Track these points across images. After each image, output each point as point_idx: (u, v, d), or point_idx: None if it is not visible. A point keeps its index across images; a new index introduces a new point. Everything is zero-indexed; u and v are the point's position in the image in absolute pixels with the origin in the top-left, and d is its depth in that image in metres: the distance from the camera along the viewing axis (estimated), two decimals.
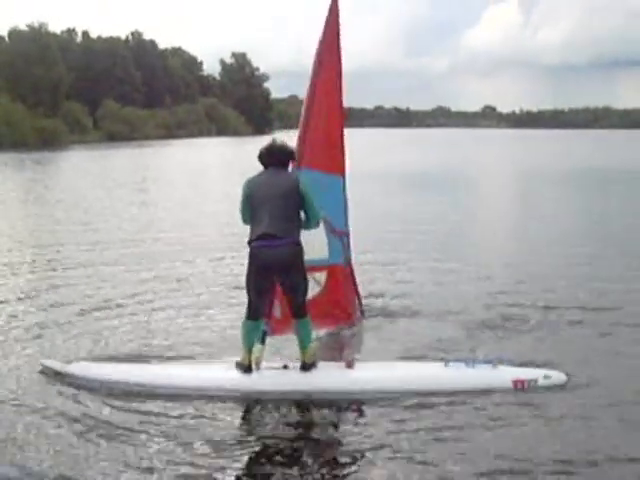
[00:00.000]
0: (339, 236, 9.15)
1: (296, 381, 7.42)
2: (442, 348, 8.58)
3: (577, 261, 13.95)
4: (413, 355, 8.38)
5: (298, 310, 7.52)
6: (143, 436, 6.38)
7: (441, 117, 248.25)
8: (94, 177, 38.49)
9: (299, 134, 8.55)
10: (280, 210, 7.21)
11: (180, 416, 6.82)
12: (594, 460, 5.92)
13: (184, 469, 5.82)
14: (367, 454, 6.10)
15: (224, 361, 7.90)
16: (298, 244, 7.36)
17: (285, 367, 7.64)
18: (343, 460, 6.06)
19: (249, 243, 7.32)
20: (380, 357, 8.34)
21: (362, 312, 9.72)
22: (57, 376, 7.71)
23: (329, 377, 7.48)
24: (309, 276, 8.31)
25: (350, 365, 7.59)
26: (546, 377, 7.41)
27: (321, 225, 8.47)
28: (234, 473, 5.82)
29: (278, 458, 6.07)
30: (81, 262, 14.54)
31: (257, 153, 7.56)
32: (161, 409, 6.98)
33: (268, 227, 7.15)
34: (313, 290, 8.66)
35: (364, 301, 9.83)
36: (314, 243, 8.43)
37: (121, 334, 9.46)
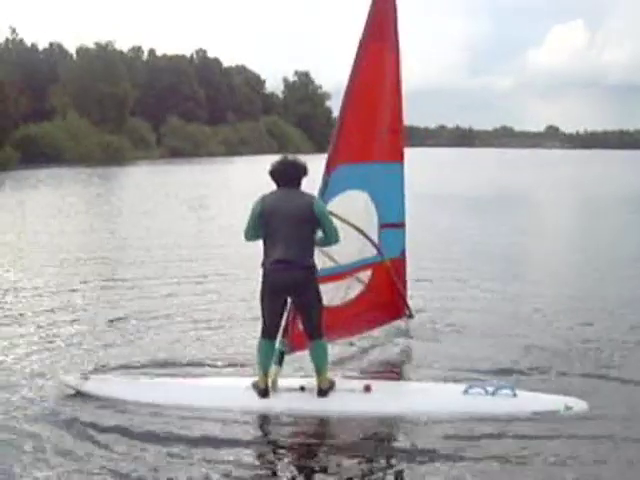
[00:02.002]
0: (396, 229, 9.03)
1: (312, 405, 7.34)
2: (475, 370, 8.50)
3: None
4: (446, 376, 8.28)
5: (313, 331, 7.42)
6: (156, 454, 6.38)
7: (504, 137, 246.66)
8: (156, 193, 38.85)
9: (335, 130, 8.28)
10: (295, 235, 7.16)
11: (198, 436, 6.80)
12: None
13: None
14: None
15: (242, 380, 7.84)
16: (311, 267, 7.31)
17: (302, 389, 7.56)
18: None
19: (263, 265, 7.29)
20: (411, 375, 8.52)
21: (411, 313, 9.60)
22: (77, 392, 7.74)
23: (345, 401, 7.38)
24: (352, 277, 8.42)
25: (368, 389, 7.49)
26: (567, 408, 7.21)
27: (374, 222, 8.58)
28: None
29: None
30: (129, 277, 14.78)
31: (269, 169, 7.46)
32: (175, 429, 6.94)
33: (284, 254, 7.13)
34: (355, 289, 8.74)
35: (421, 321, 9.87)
36: (356, 243, 8.45)
37: (151, 346, 9.64)
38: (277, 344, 7.58)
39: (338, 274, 8.39)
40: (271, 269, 7.21)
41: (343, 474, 6.11)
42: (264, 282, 7.34)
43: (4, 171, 59.78)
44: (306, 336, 7.49)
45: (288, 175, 7.37)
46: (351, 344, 9.42)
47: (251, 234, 7.45)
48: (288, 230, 7.13)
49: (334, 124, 8.67)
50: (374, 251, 8.80)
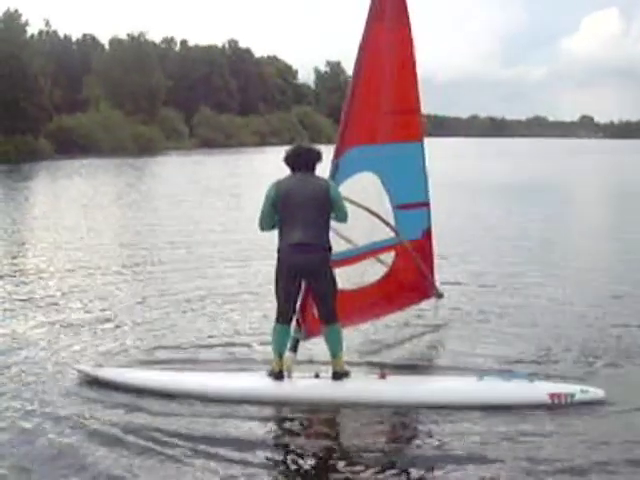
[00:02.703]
0: (417, 209, 8.98)
1: (327, 391, 7.35)
2: (494, 360, 8.48)
3: None
4: (463, 365, 8.32)
5: (328, 315, 7.44)
6: (172, 442, 6.43)
7: (537, 127, 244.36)
8: (187, 183, 39.12)
9: (344, 113, 8.21)
10: (313, 218, 7.21)
11: (211, 422, 6.87)
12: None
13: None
14: (393, 464, 6.11)
15: (258, 369, 7.91)
16: (327, 249, 7.36)
17: (317, 376, 7.58)
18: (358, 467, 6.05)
19: (279, 249, 7.33)
20: (423, 367, 8.49)
21: (439, 293, 9.48)
22: (90, 380, 7.83)
23: (361, 388, 7.40)
24: (374, 259, 8.41)
25: (383, 376, 7.50)
26: (583, 391, 7.19)
27: (386, 204, 8.53)
28: None
29: (305, 465, 6.11)
30: (156, 262, 15.25)
31: (283, 155, 7.53)
32: (191, 415, 7.01)
33: (303, 237, 7.17)
34: (378, 272, 8.71)
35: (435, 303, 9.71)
36: (373, 226, 8.43)
37: (167, 336, 9.70)
38: (292, 331, 7.61)
39: (355, 257, 8.38)
40: (289, 252, 7.23)
41: (356, 462, 6.11)
42: (279, 266, 7.36)
43: (39, 161, 60.50)
44: (321, 321, 7.53)
45: (303, 160, 7.45)
46: (364, 335, 9.42)
47: (266, 222, 7.46)
48: (305, 213, 7.18)
49: None
50: (392, 233, 8.74)
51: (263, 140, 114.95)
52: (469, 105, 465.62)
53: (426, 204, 9.12)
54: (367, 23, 8.24)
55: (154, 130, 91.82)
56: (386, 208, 8.71)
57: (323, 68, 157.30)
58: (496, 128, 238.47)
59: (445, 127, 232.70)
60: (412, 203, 8.94)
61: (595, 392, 7.23)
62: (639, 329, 9.79)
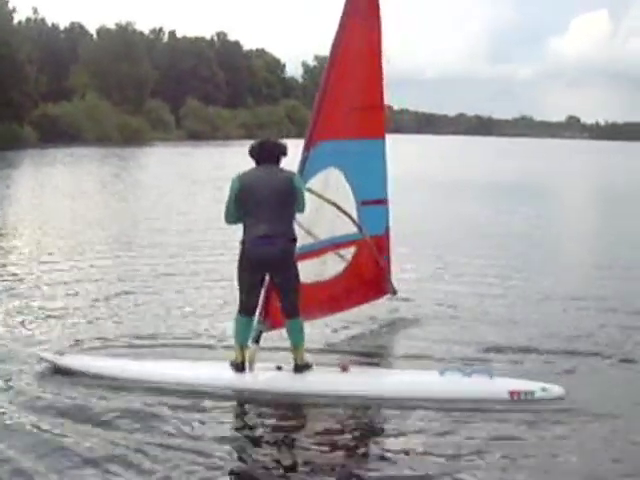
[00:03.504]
0: (377, 205, 9.02)
1: (289, 383, 7.34)
2: (455, 355, 8.43)
3: None
4: (424, 359, 8.28)
5: (290, 308, 7.41)
6: (132, 435, 6.31)
7: (523, 126, 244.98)
8: (173, 174, 38.99)
9: (315, 107, 8.26)
10: (278, 210, 7.19)
11: (170, 414, 6.76)
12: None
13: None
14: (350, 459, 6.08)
15: (221, 359, 7.84)
16: (292, 241, 7.35)
17: (279, 368, 7.55)
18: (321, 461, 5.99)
19: (243, 242, 7.29)
20: (387, 361, 8.50)
21: (394, 290, 9.62)
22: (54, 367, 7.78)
23: (322, 380, 7.37)
24: (333, 253, 8.46)
25: (345, 369, 7.48)
26: (543, 390, 7.15)
27: (351, 199, 8.58)
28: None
29: (268, 458, 6.03)
30: (137, 253, 15.22)
31: (248, 148, 7.49)
32: (153, 407, 6.91)
33: (268, 229, 7.13)
34: (337, 267, 8.73)
35: (411, 303, 9.93)
36: (336, 221, 8.47)
37: (132, 323, 9.72)
38: (255, 322, 7.59)
39: (317, 250, 8.38)
40: (254, 244, 7.19)
41: (316, 456, 6.05)
42: (243, 258, 7.31)
43: (23, 149, 60.16)
44: (283, 314, 7.50)
45: (267, 152, 7.40)
46: (330, 328, 9.40)
47: (231, 214, 7.39)
48: (270, 205, 7.14)
49: None
50: (354, 228, 8.79)
51: (250, 133, 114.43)
52: (456, 103, 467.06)
53: (385, 201, 9.21)
54: (342, 17, 8.35)
55: (140, 121, 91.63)
56: (351, 203, 8.76)
57: (311, 62, 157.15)
58: (483, 126, 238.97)
59: (432, 124, 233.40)
60: (374, 200, 9.02)
61: (555, 390, 7.19)
62: (616, 328, 9.73)
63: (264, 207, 7.14)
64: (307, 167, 8.06)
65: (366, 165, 8.80)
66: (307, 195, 7.68)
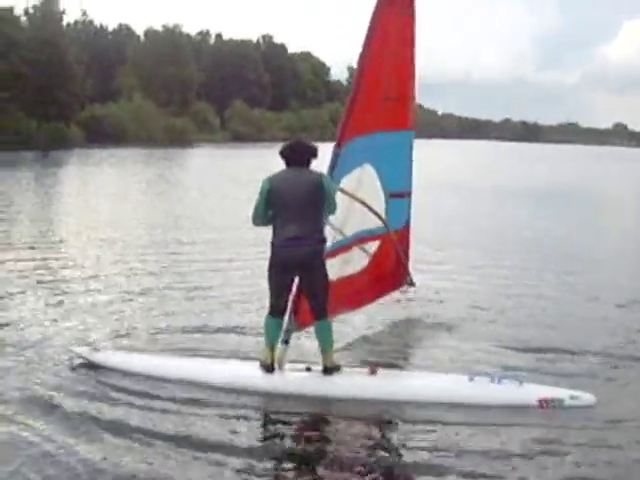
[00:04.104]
0: (402, 198, 9.04)
1: (317, 386, 7.35)
2: (484, 361, 8.33)
3: None
4: (453, 365, 8.18)
5: (319, 310, 7.44)
6: (156, 433, 6.35)
7: (569, 133, 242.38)
8: (217, 175, 39.21)
9: (347, 103, 8.20)
10: (307, 212, 7.21)
11: (199, 413, 6.81)
12: None
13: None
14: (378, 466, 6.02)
15: (251, 358, 7.89)
16: (322, 242, 7.39)
17: (308, 369, 7.57)
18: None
19: (272, 243, 7.33)
20: (416, 363, 8.41)
21: (411, 281, 9.63)
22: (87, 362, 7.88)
23: (350, 383, 7.36)
24: (359, 248, 8.44)
25: (374, 372, 7.46)
26: (573, 398, 7.08)
27: (380, 193, 8.62)
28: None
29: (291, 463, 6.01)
30: (176, 251, 15.37)
31: (279, 149, 7.50)
32: (180, 406, 6.96)
33: (297, 231, 7.17)
34: (362, 262, 8.75)
35: (442, 305, 9.91)
36: (364, 216, 8.46)
37: (169, 322, 9.73)
38: (285, 323, 7.62)
39: (346, 246, 8.39)
40: (283, 246, 7.25)
41: (342, 457, 6.06)
42: (273, 259, 7.37)
43: (70, 149, 60.94)
44: (312, 315, 7.53)
45: (297, 154, 7.41)
46: (360, 328, 9.45)
47: (260, 217, 7.43)
48: (299, 207, 7.17)
49: None
50: (379, 223, 8.79)
51: (294, 135, 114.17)
52: (502, 108, 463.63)
53: (409, 193, 9.22)
54: (377, 6, 8.21)
55: (186, 122, 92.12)
56: (381, 197, 8.78)
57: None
58: (528, 132, 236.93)
59: (477, 130, 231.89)
60: (401, 192, 9.03)
61: (585, 398, 7.13)
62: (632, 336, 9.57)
63: (293, 209, 7.18)
64: (339, 165, 7.99)
65: (395, 157, 8.81)
66: (338, 194, 7.70)
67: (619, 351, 8.86)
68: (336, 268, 8.22)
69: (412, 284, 9.74)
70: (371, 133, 8.36)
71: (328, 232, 7.69)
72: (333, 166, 7.94)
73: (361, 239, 8.61)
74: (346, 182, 8.13)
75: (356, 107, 8.12)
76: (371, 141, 8.33)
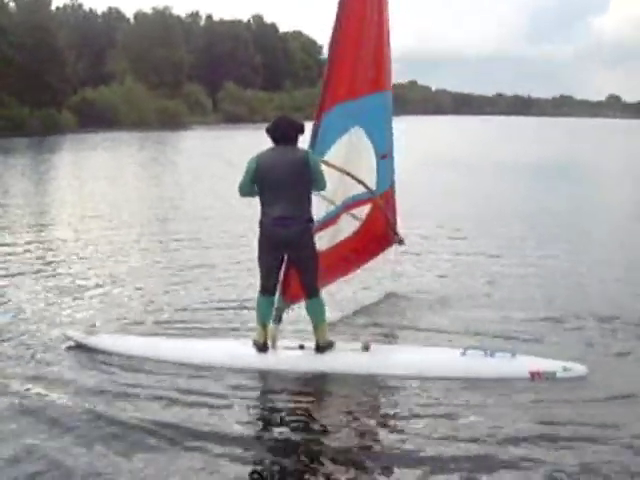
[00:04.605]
0: (386, 158, 8.99)
1: (310, 363, 7.39)
2: (476, 334, 8.37)
3: None
4: (444, 340, 8.21)
5: (309, 288, 7.48)
6: (153, 414, 6.34)
7: (563, 106, 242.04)
8: (211, 157, 39.10)
9: (325, 72, 8.11)
10: (293, 191, 7.19)
11: (193, 393, 6.80)
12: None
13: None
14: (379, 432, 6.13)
15: (242, 339, 7.90)
16: (309, 220, 7.38)
17: (301, 347, 7.61)
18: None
19: (260, 222, 7.35)
20: (411, 337, 8.38)
21: (400, 239, 9.55)
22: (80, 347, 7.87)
23: (343, 360, 7.40)
24: (347, 214, 8.47)
25: (367, 348, 7.50)
26: (565, 369, 7.10)
27: (372, 156, 8.64)
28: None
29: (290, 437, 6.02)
30: (171, 234, 15.28)
31: (266, 127, 7.48)
32: (171, 385, 6.97)
33: (283, 210, 7.18)
34: (351, 227, 8.77)
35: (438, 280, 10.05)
36: (352, 183, 8.42)
37: (161, 304, 9.74)
38: (276, 301, 7.64)
39: (333, 218, 8.37)
40: (270, 225, 7.26)
41: (338, 435, 6.07)
42: (261, 238, 7.40)
43: (62, 134, 60.89)
44: (303, 294, 7.57)
45: (283, 132, 7.40)
46: (354, 303, 9.52)
47: (245, 190, 7.46)
48: (286, 186, 7.17)
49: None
50: (374, 185, 8.79)
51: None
52: (495, 83, 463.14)
53: (391, 155, 9.16)
54: None
55: (178, 104, 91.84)
56: (373, 160, 8.77)
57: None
58: (522, 106, 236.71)
59: (470, 105, 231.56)
60: (385, 153, 8.97)
61: (577, 369, 7.14)
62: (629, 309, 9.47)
63: (279, 188, 7.18)
64: (321, 137, 7.92)
65: (378, 119, 8.76)
66: (325, 167, 7.66)
67: (615, 322, 8.86)
68: (326, 239, 8.25)
69: (402, 242, 9.61)
70: (353, 98, 8.27)
71: (319, 203, 7.68)
72: (313, 141, 7.89)
73: (351, 205, 8.58)
74: (335, 150, 8.07)
75: (333, 77, 8.05)
76: (355, 106, 8.26)
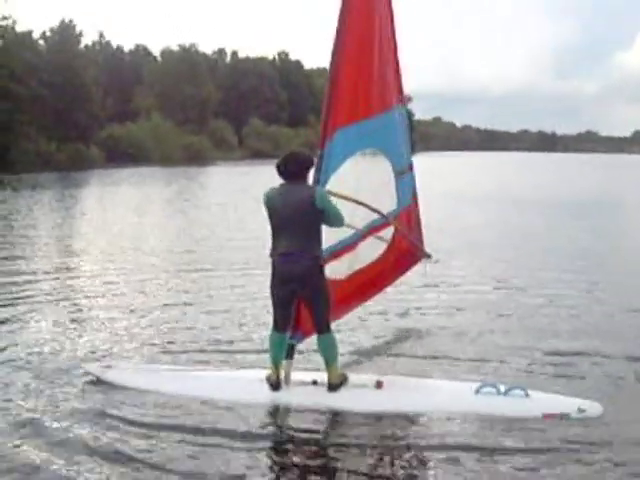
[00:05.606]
0: (405, 174, 8.87)
1: (324, 400, 7.27)
2: (490, 369, 8.30)
3: None
4: (458, 374, 8.10)
5: (319, 324, 7.36)
6: (164, 447, 6.34)
7: (588, 141, 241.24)
8: (236, 192, 39.20)
9: (327, 95, 7.84)
10: (300, 228, 7.12)
11: (208, 428, 6.76)
12: None
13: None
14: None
15: (256, 373, 7.81)
16: (317, 257, 7.24)
17: (314, 383, 7.50)
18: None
19: (271, 256, 7.32)
20: (423, 372, 8.20)
21: (427, 254, 9.47)
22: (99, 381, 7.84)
23: (357, 398, 7.30)
24: (374, 237, 8.33)
25: (380, 385, 7.40)
26: (580, 410, 6.92)
27: (391, 175, 8.51)
28: None
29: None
30: (195, 267, 15.27)
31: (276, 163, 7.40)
32: (185, 420, 6.92)
33: (288, 246, 7.14)
34: (376, 251, 8.62)
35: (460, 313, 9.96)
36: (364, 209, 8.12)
37: (178, 338, 9.67)
38: (287, 338, 7.55)
39: (349, 245, 8.12)
40: (278, 261, 7.25)
41: (351, 471, 6.00)
42: (272, 273, 7.35)
43: (90, 169, 61.41)
44: (314, 330, 7.47)
45: (289, 169, 7.32)
46: (372, 335, 9.53)
47: None
48: (290, 224, 7.12)
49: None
50: (389, 208, 8.54)
51: (312, 151, 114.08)
52: (520, 119, 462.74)
53: (411, 167, 9.06)
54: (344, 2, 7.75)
55: (204, 140, 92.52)
56: (391, 179, 8.64)
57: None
58: (546, 142, 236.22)
59: (496, 141, 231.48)
60: (403, 169, 8.85)
61: (593, 410, 6.98)
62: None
63: (284, 225, 7.14)
64: (326, 164, 7.76)
65: (389, 136, 8.55)
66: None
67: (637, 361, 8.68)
68: (344, 267, 8.12)
69: (429, 256, 9.51)
70: (359, 120, 8.03)
71: (329, 233, 7.52)
72: (319, 168, 7.72)
73: (378, 227, 8.41)
74: (334, 181, 7.77)
75: (335, 101, 7.82)
76: (373, 125, 8.11)
